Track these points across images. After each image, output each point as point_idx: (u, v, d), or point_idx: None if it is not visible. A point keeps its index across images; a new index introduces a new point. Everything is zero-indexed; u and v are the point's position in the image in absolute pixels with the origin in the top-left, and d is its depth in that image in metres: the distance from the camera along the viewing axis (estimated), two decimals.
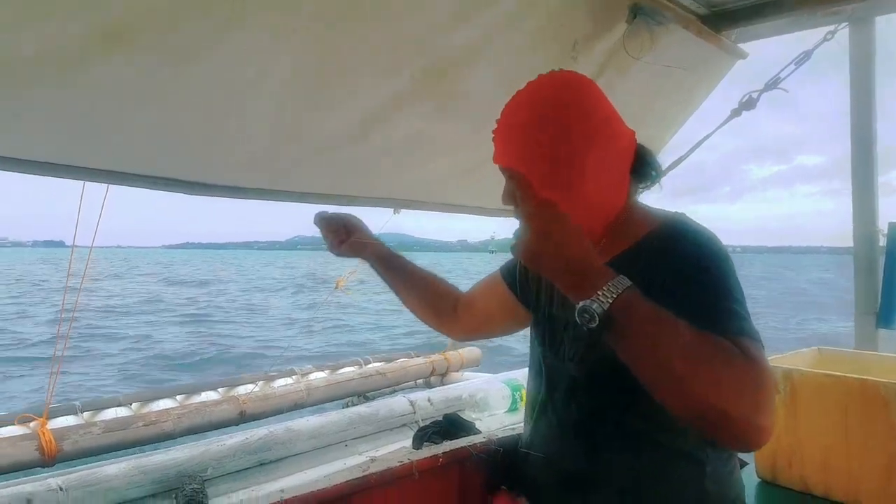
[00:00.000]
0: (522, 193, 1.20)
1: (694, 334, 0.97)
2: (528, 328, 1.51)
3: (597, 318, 0.97)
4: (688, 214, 1.26)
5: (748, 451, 1.00)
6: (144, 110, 1.61)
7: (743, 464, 2.07)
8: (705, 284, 1.11)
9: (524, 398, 3.74)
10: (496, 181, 2.73)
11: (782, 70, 2.46)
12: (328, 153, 2.09)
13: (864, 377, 1.79)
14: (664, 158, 2.88)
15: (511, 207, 1.26)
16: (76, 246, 2.33)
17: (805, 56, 2.43)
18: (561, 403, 1.32)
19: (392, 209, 2.75)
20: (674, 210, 1.28)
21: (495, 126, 1.26)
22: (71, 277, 2.47)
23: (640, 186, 1.31)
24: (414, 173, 2.45)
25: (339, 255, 1.63)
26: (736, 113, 2.59)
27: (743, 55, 2.66)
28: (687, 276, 1.11)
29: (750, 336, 1.04)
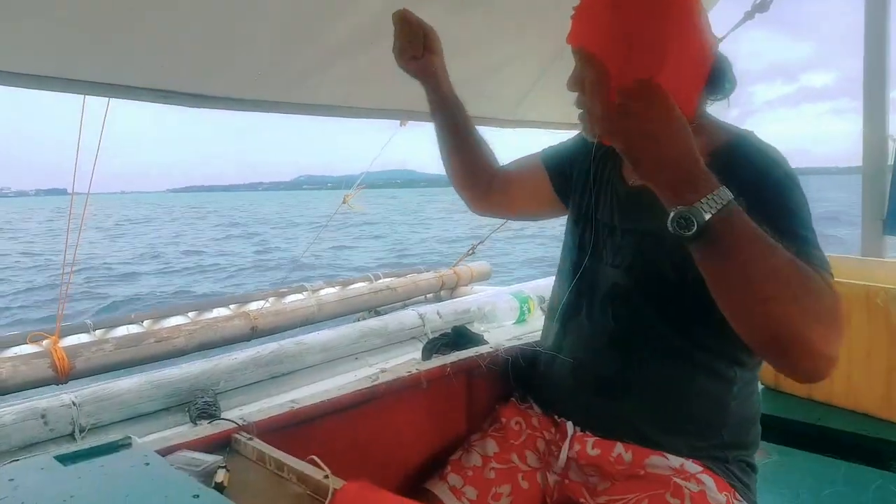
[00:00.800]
0: (595, 77, 1.13)
1: (786, 258, 0.92)
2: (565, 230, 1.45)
3: (695, 227, 0.89)
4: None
5: (810, 381, 0.96)
6: (146, 21, 1.56)
7: None
8: (775, 208, 1.05)
9: (532, 310, 3.82)
10: (514, 86, 2.66)
11: None
12: (335, 62, 2.01)
13: (867, 283, 1.78)
14: None
15: (576, 93, 1.19)
16: (77, 193, 2.33)
17: None
18: (598, 309, 1.29)
19: (399, 121, 2.70)
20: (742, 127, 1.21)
21: (575, 6, 1.17)
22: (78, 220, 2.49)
23: (711, 98, 1.23)
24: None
25: (401, 66, 1.47)
26: (749, 15, 2.49)
27: None
28: (756, 197, 1.02)
29: (821, 265, 0.99)
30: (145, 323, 3.48)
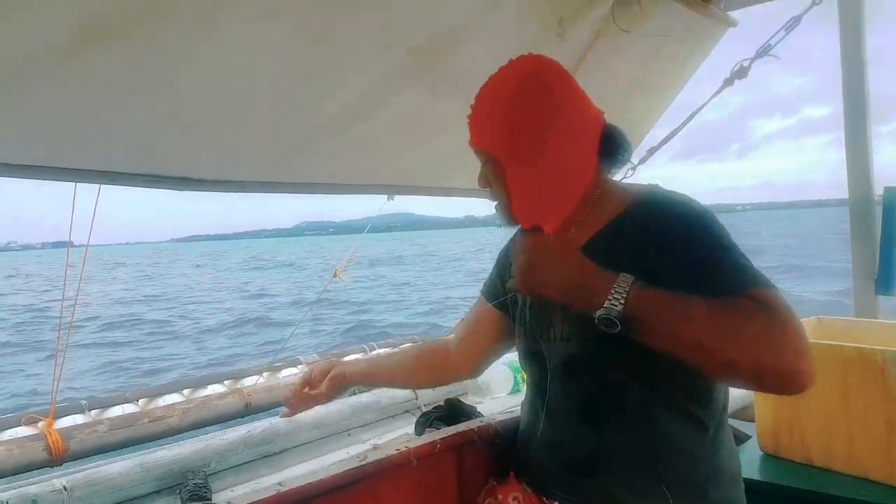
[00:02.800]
0: (493, 173, 1.28)
1: (707, 304, 1.00)
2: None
3: (618, 323, 1.01)
4: (692, 174, 1.28)
5: (794, 393, 1.00)
6: (134, 107, 1.60)
7: (745, 437, 2.07)
8: (701, 246, 1.12)
9: (525, 379, 3.77)
10: None
11: (772, 37, 2.42)
12: (321, 141, 2.07)
13: (861, 345, 1.78)
14: (659, 130, 2.85)
15: (486, 189, 1.34)
16: (83, 244, 2.32)
17: (794, 22, 2.37)
18: (558, 386, 1.32)
19: (386, 196, 2.74)
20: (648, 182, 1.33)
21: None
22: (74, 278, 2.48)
23: (614, 166, 1.35)
24: (407, 157, 2.44)
25: (330, 400, 1.67)
26: (728, 82, 2.56)
27: (733, 23, 2.64)
28: (681, 242, 1.13)
29: (762, 285, 1.06)
30: (140, 402, 3.44)
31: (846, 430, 1.81)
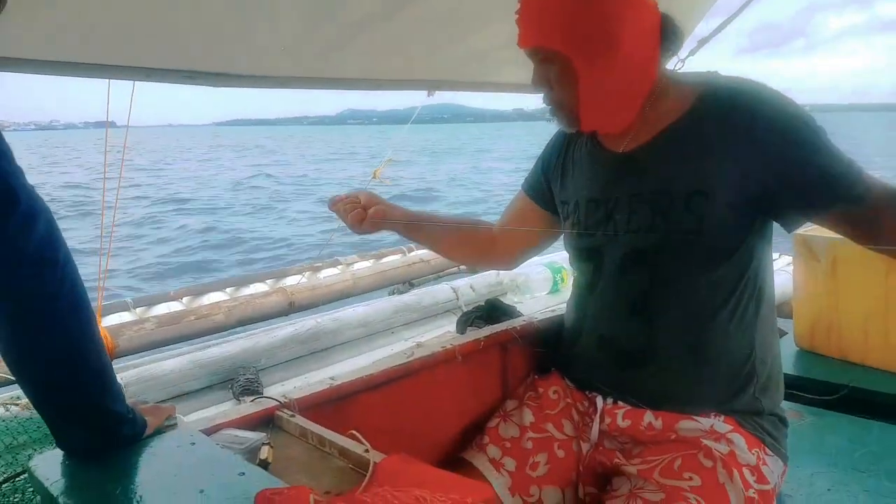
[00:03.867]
0: (561, 74, 1.19)
1: None
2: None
3: None
4: (755, 71, 1.21)
5: None
6: (166, 4, 1.57)
7: (782, 333, 2.08)
8: (814, 146, 1.10)
9: (565, 280, 3.81)
10: None
11: None
12: (359, 34, 2.00)
13: None
14: (712, 20, 2.72)
15: (543, 91, 1.25)
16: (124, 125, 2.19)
17: None
18: (613, 280, 1.30)
19: (426, 91, 2.68)
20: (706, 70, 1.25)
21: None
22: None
23: (668, 54, 1.26)
24: (448, 51, 2.35)
25: (361, 233, 1.51)
26: None
27: None
28: (795, 138, 1.10)
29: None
30: (185, 300, 3.55)
31: (884, 327, 1.82)
